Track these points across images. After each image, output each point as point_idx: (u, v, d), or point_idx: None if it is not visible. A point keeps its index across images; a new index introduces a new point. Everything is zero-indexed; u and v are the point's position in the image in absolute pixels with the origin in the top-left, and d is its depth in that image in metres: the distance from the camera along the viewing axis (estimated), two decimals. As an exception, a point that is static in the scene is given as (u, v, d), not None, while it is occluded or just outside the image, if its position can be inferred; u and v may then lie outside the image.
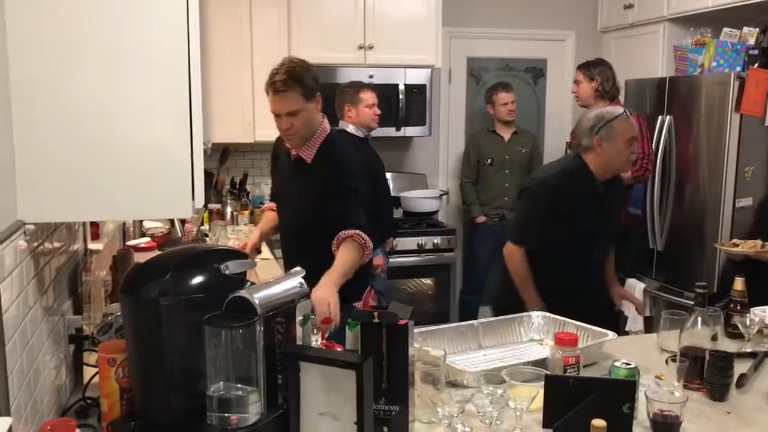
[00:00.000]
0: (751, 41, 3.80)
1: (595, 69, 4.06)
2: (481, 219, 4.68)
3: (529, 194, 2.83)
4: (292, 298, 1.60)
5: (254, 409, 1.47)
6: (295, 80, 2.40)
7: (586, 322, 2.22)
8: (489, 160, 4.68)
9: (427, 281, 4.60)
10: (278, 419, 1.51)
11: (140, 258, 1.94)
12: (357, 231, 2.39)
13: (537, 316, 2.34)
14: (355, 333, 1.65)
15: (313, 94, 2.45)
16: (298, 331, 1.67)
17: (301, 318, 1.68)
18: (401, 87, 4.45)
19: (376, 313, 1.55)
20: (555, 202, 2.69)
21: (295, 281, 1.63)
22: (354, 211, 2.46)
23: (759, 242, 3.32)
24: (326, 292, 2.20)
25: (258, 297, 1.48)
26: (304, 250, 2.51)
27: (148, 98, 1.43)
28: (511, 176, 4.64)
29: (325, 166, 2.51)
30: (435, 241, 4.43)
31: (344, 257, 2.36)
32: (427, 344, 2.01)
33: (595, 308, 2.60)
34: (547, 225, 2.69)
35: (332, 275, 2.28)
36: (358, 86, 3.82)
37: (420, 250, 4.40)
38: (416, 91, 4.52)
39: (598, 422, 1.23)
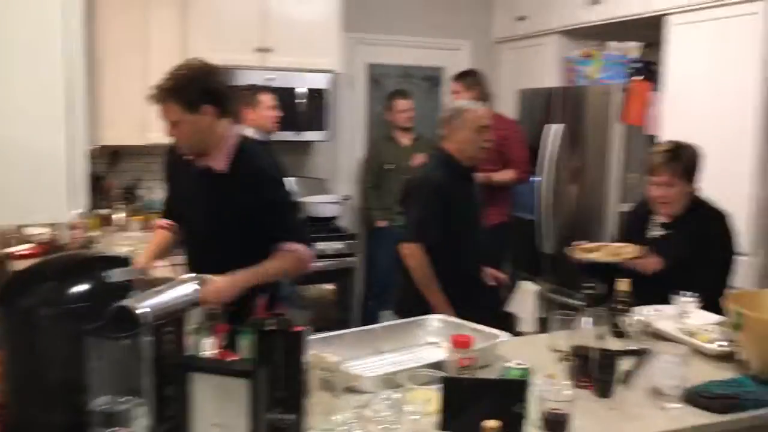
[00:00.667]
0: (634, 55, 4.01)
1: (471, 78, 4.22)
2: (382, 223, 4.71)
3: (418, 193, 2.96)
4: (183, 306, 1.54)
5: (141, 423, 1.41)
6: (170, 92, 2.23)
7: (481, 323, 2.27)
8: (389, 166, 4.72)
9: (330, 287, 4.58)
10: (168, 432, 1.45)
11: (19, 265, 1.83)
12: (297, 246, 2.32)
13: (435, 319, 2.37)
14: (250, 341, 1.61)
15: (196, 105, 2.24)
16: (190, 340, 1.62)
17: (194, 326, 1.62)
18: (301, 91, 4.42)
19: (270, 321, 1.52)
20: (442, 193, 2.87)
21: (188, 288, 1.58)
22: (290, 223, 2.39)
23: (615, 246, 2.76)
24: (222, 285, 2.07)
25: (145, 306, 1.42)
26: (220, 264, 2.22)
27: (23, 98, 1.35)
28: (411, 182, 4.70)
29: (245, 175, 2.35)
30: (337, 246, 4.41)
31: (270, 265, 2.26)
32: (325, 351, 1.99)
33: (489, 309, 2.67)
34: (441, 217, 2.83)
35: (242, 274, 2.16)
36: (256, 88, 3.76)
37: (321, 255, 4.37)
38: (316, 96, 4.50)
39: (490, 423, 1.26)
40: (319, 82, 4.50)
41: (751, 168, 3.32)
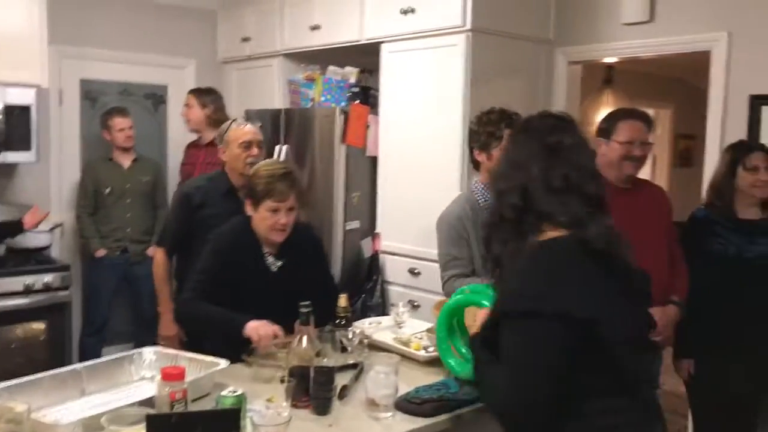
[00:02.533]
0: (353, 79, 4.20)
1: (207, 97, 4.20)
2: (101, 253, 4.35)
3: (172, 202, 3.31)
4: None
5: None
6: None
7: None
8: (108, 189, 4.38)
9: (39, 325, 4.08)
10: None
11: None
12: None
13: (149, 352, 2.21)
14: None
15: None
16: None
17: None
18: (0, 107, 3.93)
19: None
20: (191, 206, 3.00)
21: None
22: None
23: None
24: None
25: None
26: None
27: None
28: (133, 206, 4.42)
29: None
30: (46, 279, 3.96)
31: None
32: (15, 398, 1.74)
33: None
34: (188, 228, 2.99)
35: None
36: None
37: (28, 291, 3.89)
38: (19, 113, 4.03)
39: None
40: (22, 97, 4.03)
41: (457, 184, 3.62)
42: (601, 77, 6.48)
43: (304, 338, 1.99)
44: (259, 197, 2.46)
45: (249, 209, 2.52)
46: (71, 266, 4.21)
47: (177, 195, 3.29)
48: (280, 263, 2.55)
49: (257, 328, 2.25)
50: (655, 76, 6.65)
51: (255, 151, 3.01)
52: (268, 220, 2.46)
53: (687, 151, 7.43)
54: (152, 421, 1.56)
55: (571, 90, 3.99)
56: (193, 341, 2.77)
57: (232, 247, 2.51)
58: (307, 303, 2.07)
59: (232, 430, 1.61)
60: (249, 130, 3.06)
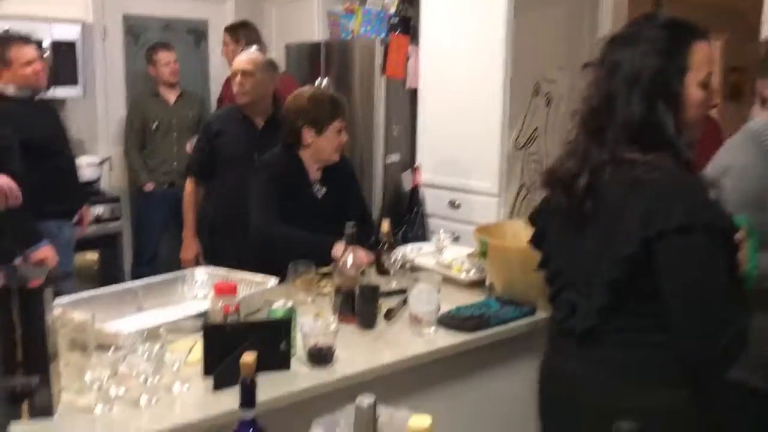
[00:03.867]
0: (393, 10, 4.16)
1: (240, 31, 4.17)
2: (150, 186, 4.46)
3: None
4: None
5: None
6: None
7: None
8: (155, 124, 4.46)
9: (92, 255, 4.27)
10: None
11: None
12: None
13: (201, 273, 2.30)
14: (-21, 303, 1.44)
15: None
16: None
17: None
18: (46, 43, 4.00)
19: (2, 274, 1.36)
20: (210, 134, 3.13)
21: None
22: None
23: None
24: None
25: None
26: None
27: None
28: (180, 140, 4.49)
29: None
30: (97, 211, 4.11)
31: None
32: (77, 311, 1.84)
33: None
34: (209, 156, 3.14)
35: None
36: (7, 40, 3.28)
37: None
38: (65, 48, 4.11)
39: (248, 357, 1.24)
40: (68, 33, 4.11)
41: (499, 117, 3.60)
42: (650, 4, 6.27)
43: (350, 257, 2.04)
44: (327, 120, 2.54)
45: (309, 136, 2.55)
46: (120, 199, 4.35)
47: (201, 126, 3.50)
48: (324, 189, 2.61)
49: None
50: (706, 4, 6.41)
51: (239, 79, 3.04)
52: (334, 141, 2.57)
53: (737, 85, 7.21)
54: (208, 331, 1.64)
55: (617, 17, 3.89)
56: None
57: (282, 175, 2.56)
58: (352, 223, 2.13)
59: (283, 339, 1.69)
60: (238, 60, 3.13)
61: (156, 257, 4.59)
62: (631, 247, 1.44)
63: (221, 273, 2.25)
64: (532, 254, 1.77)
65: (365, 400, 1.12)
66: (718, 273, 1.43)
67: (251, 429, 1.24)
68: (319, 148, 2.56)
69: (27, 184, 2.63)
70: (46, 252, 2.88)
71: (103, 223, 4.14)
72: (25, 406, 1.43)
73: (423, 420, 1.07)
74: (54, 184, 3.14)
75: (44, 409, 1.44)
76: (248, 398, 1.25)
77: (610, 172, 1.50)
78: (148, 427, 1.46)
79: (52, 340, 1.49)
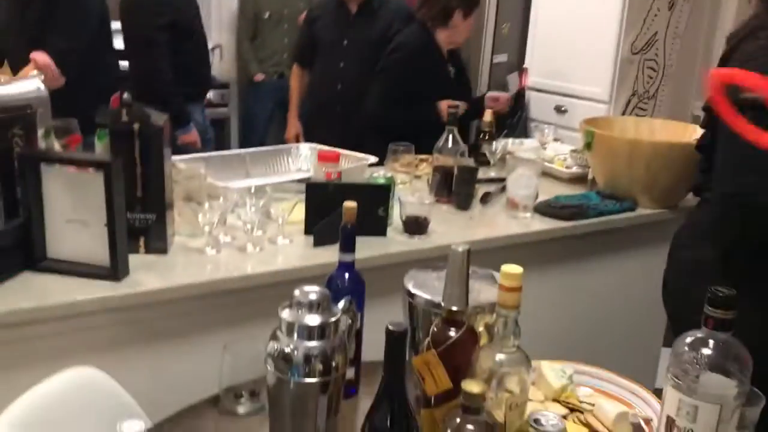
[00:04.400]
0: None
1: None
2: (260, 77, 4.57)
3: None
4: (28, 102, 1.45)
5: (-11, 217, 1.35)
6: None
7: None
8: (267, 14, 4.52)
9: (202, 138, 4.44)
10: (19, 229, 1.40)
11: None
12: None
13: (305, 148, 2.37)
14: (105, 143, 1.55)
15: None
16: (41, 144, 1.53)
17: (43, 130, 1.54)
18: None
19: (125, 111, 1.46)
20: (309, 19, 3.22)
21: (31, 84, 1.48)
22: None
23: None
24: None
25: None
26: None
27: None
28: (290, 31, 4.54)
29: None
30: (207, 96, 4.25)
31: None
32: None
33: None
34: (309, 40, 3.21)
35: None
36: None
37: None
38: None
39: (350, 204, 1.29)
40: None
41: (616, 18, 3.42)
42: None
43: (450, 137, 2.05)
44: (476, 4, 2.73)
45: (459, 18, 2.68)
46: (229, 85, 4.48)
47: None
48: (454, 70, 2.76)
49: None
50: None
51: None
52: (469, 27, 2.74)
53: None
54: (311, 188, 1.71)
55: None
56: None
57: (422, 53, 2.68)
58: (456, 104, 2.13)
59: (382, 204, 1.74)
60: None
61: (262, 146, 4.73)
62: None
63: (325, 148, 2.31)
64: (639, 147, 1.72)
65: (461, 245, 1.15)
66: None
67: (349, 271, 1.31)
68: (460, 31, 2.70)
69: (172, 65, 2.81)
70: (194, 135, 3.11)
71: (213, 108, 4.29)
72: (142, 242, 1.55)
73: (515, 268, 1.09)
74: (192, 66, 3.22)
75: (159, 246, 1.56)
76: (348, 243, 1.31)
77: None
78: (253, 269, 1.55)
79: (169, 185, 1.59)
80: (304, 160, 2.34)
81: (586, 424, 1.27)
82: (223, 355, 1.30)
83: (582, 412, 1.29)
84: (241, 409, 1.29)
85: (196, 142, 3.14)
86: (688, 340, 1.07)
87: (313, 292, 1.07)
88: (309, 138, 3.29)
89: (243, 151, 2.26)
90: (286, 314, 1.06)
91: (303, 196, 1.74)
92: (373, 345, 1.16)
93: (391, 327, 0.97)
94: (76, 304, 1.35)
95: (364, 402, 1.22)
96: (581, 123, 2.23)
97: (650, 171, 2.01)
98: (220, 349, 1.28)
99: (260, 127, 4.68)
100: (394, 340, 0.97)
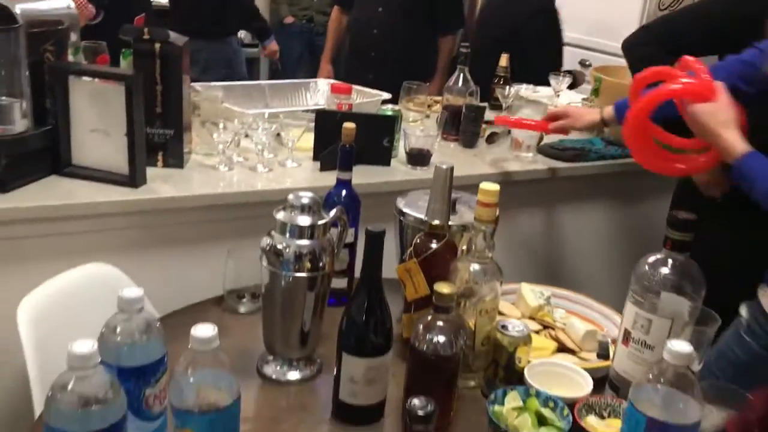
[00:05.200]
0: None
1: None
2: (290, 19, 4.64)
3: None
4: (60, 19, 1.55)
5: (20, 122, 1.47)
6: None
7: None
8: (298, -43, 4.57)
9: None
10: (46, 134, 1.52)
11: None
12: None
13: (323, 83, 2.46)
14: (129, 61, 1.66)
15: None
16: (70, 59, 1.64)
17: (73, 48, 1.65)
18: None
19: (146, 30, 1.56)
20: None
21: (63, 2, 1.58)
22: None
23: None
24: None
25: (18, 7, 1.43)
26: None
27: None
28: (322, -24, 4.60)
29: None
30: (240, 35, 4.33)
31: None
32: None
33: None
34: None
35: None
36: None
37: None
38: None
39: (349, 124, 1.38)
40: None
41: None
42: None
43: (461, 76, 2.12)
44: None
45: None
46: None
47: None
48: None
49: None
50: None
51: None
52: None
53: None
54: (320, 116, 1.81)
55: None
56: None
57: None
58: (466, 44, 2.19)
59: (387, 135, 1.83)
60: None
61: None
62: None
63: (342, 84, 2.39)
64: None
65: (445, 164, 1.24)
66: None
67: (346, 188, 1.41)
68: None
69: None
70: (275, 46, 3.85)
71: (244, 47, 4.37)
72: (160, 156, 1.67)
73: (492, 185, 1.18)
74: None
75: (176, 161, 1.68)
76: (346, 162, 1.41)
77: None
78: (263, 186, 1.66)
79: (187, 105, 1.70)
80: (321, 95, 2.42)
81: (557, 339, 1.37)
82: (227, 259, 1.43)
83: (553, 328, 1.38)
84: (242, 308, 1.42)
85: (277, 52, 3.91)
86: (650, 260, 1.16)
87: (305, 196, 1.18)
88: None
89: (263, 82, 2.35)
90: (280, 215, 1.17)
91: (305, 128, 1.84)
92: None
93: (370, 228, 1.07)
94: (97, 204, 1.48)
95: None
96: (591, 69, 2.28)
97: (654, 118, 2.06)
98: (218, 257, 1.40)
99: (289, 68, 4.75)
100: (373, 239, 1.07)
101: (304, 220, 1.16)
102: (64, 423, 0.78)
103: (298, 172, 1.78)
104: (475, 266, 1.19)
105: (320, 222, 1.17)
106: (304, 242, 1.16)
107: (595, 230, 2.19)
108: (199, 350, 0.85)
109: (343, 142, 1.40)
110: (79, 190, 1.51)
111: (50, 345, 1.22)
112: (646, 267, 1.15)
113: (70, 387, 0.78)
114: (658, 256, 1.14)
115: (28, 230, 1.45)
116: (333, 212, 1.22)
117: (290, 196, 1.18)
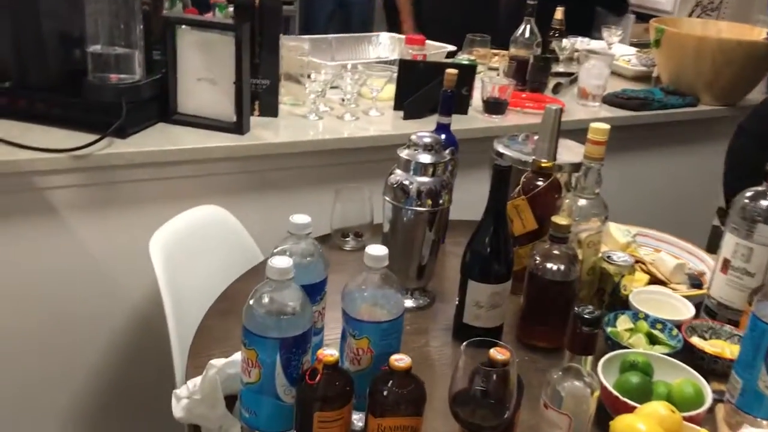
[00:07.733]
0: None
1: None
2: (321, -27, 4.65)
3: None
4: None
5: (134, 71, 1.55)
6: None
7: None
8: None
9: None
10: (157, 82, 1.60)
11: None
12: None
13: (385, 37, 2.52)
14: (226, 13, 1.73)
15: None
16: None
17: (169, 2, 1.72)
18: None
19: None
20: None
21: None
22: None
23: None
24: None
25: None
26: None
27: None
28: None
29: None
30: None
31: None
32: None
33: None
34: None
35: None
36: None
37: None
38: None
39: (452, 70, 1.45)
40: None
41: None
42: None
43: (527, 28, 2.18)
44: None
45: None
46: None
47: None
48: None
49: None
50: None
51: None
52: None
53: None
54: (403, 65, 1.88)
55: None
56: None
57: None
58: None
59: (466, 83, 1.90)
60: None
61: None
62: None
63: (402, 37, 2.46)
64: (706, 43, 1.84)
65: (554, 105, 1.32)
66: None
67: (446, 132, 1.49)
68: None
69: None
70: None
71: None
72: (257, 105, 1.75)
73: (603, 124, 1.26)
74: None
75: (271, 109, 1.76)
76: (447, 107, 1.49)
77: None
78: (350, 133, 1.75)
79: (279, 58, 1.77)
80: (383, 48, 2.49)
81: (648, 272, 1.46)
82: (334, 200, 1.52)
83: (644, 263, 1.48)
84: (347, 246, 1.52)
85: None
86: (749, 193, 1.24)
87: (427, 136, 1.26)
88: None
89: (330, 36, 2.41)
90: (404, 153, 1.26)
91: (388, 78, 1.91)
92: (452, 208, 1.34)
93: (497, 162, 1.16)
94: (207, 149, 1.56)
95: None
96: (651, 22, 2.34)
97: (715, 67, 2.13)
98: (316, 200, 1.49)
99: (320, 25, 4.78)
100: (500, 173, 1.16)
101: (426, 158, 1.25)
102: (262, 329, 0.87)
103: (382, 121, 1.85)
104: (582, 201, 1.28)
105: (441, 160, 1.26)
106: (426, 179, 1.25)
107: (660, 177, 2.27)
108: (373, 267, 0.95)
109: (445, 87, 1.47)
110: (188, 136, 1.59)
111: (178, 273, 1.32)
112: (746, 200, 1.24)
113: (268, 297, 0.88)
114: (759, 189, 1.23)
115: (143, 173, 1.54)
116: (446, 152, 1.31)
117: (413, 136, 1.26)
